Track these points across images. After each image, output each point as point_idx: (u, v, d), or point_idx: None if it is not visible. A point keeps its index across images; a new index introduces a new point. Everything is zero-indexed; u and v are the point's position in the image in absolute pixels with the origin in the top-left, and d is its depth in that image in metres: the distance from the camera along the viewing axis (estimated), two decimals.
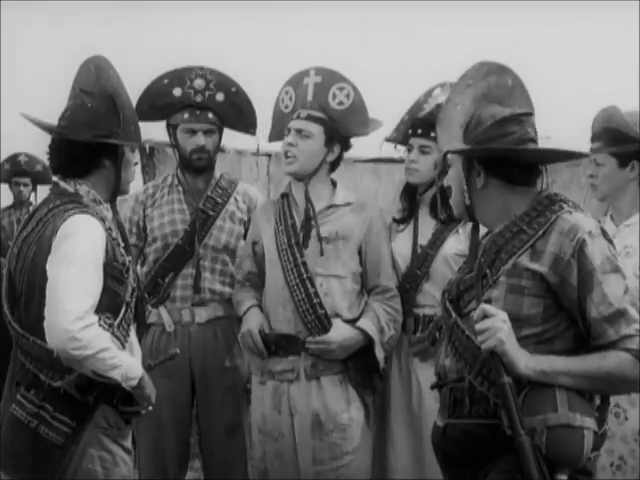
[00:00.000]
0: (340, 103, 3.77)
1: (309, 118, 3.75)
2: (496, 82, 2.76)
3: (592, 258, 2.54)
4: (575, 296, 2.54)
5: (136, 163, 3.16)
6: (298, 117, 3.76)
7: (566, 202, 2.66)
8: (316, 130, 3.74)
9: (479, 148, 2.68)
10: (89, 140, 2.97)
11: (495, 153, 2.67)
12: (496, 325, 2.51)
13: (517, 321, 2.56)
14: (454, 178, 2.77)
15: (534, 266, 2.57)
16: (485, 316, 2.53)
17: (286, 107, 3.86)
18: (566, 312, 2.58)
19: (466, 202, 2.73)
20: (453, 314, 2.67)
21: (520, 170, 2.68)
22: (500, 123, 2.67)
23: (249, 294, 3.90)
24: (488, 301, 2.60)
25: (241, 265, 3.98)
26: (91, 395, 2.87)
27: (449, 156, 2.78)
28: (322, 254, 3.70)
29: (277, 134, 3.91)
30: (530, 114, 2.71)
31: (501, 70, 2.78)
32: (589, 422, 2.47)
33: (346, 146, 3.85)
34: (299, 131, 3.74)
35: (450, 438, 2.69)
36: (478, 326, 2.53)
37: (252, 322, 3.78)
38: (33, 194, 7.26)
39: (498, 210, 2.70)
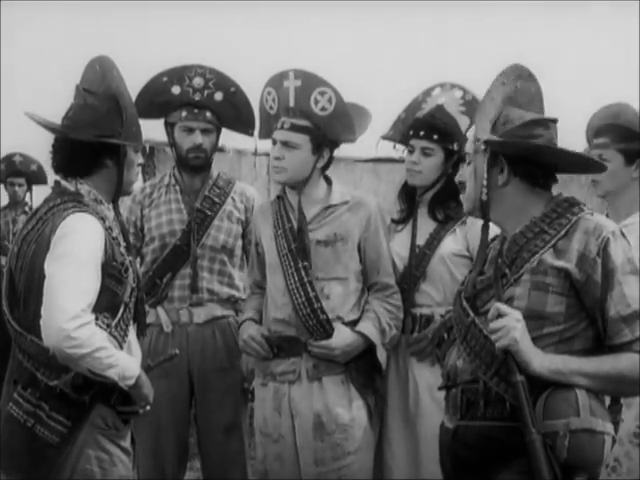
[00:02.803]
0: (323, 109, 3.71)
1: (293, 128, 3.70)
2: (522, 87, 2.78)
3: (615, 257, 2.57)
4: (598, 294, 2.57)
5: (140, 164, 3.15)
6: (282, 127, 3.72)
7: (585, 205, 2.70)
8: (302, 140, 3.69)
9: (518, 142, 2.68)
10: (91, 140, 2.97)
11: (531, 150, 2.67)
12: (510, 324, 2.53)
13: (540, 318, 2.58)
14: (472, 173, 2.76)
15: (559, 263, 2.59)
16: (499, 315, 2.55)
17: (270, 108, 3.83)
18: (586, 312, 2.60)
19: (483, 198, 2.72)
20: (471, 313, 2.67)
21: (543, 173, 2.71)
22: (529, 125, 2.69)
23: (251, 304, 3.92)
24: (510, 299, 2.61)
25: (251, 270, 3.99)
26: (87, 395, 2.86)
27: (469, 150, 2.79)
28: (310, 267, 3.68)
29: (266, 132, 3.88)
30: (556, 121, 2.74)
31: (529, 77, 2.80)
32: (609, 427, 2.49)
33: (336, 146, 3.82)
34: (285, 143, 3.70)
35: (462, 440, 2.68)
36: (492, 325, 2.55)
37: (250, 329, 3.78)
38: (28, 194, 7.25)
39: (514, 210, 2.71)
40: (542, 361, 2.53)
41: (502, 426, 2.58)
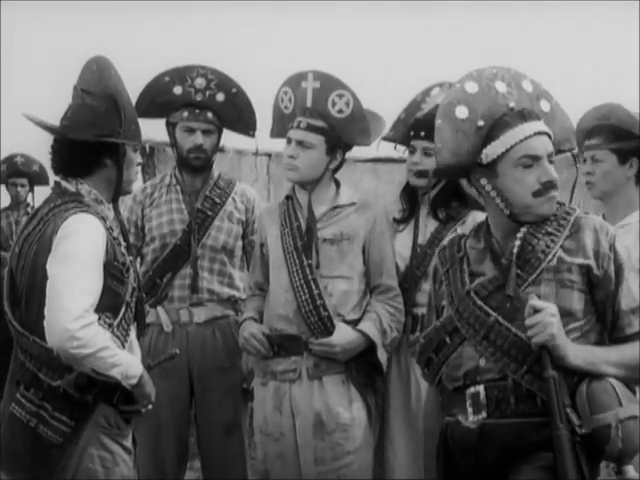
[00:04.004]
0: (340, 111, 3.73)
1: (309, 128, 3.72)
2: None
3: (621, 253, 2.68)
4: (611, 288, 2.66)
5: (139, 163, 3.15)
6: (298, 127, 3.73)
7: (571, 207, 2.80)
8: (317, 141, 3.71)
9: None
10: (90, 139, 2.97)
11: None
12: (546, 320, 2.56)
13: (567, 315, 2.63)
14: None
15: (580, 260, 2.66)
16: (535, 311, 2.58)
17: (286, 108, 3.84)
18: (596, 306, 2.68)
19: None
20: (492, 313, 2.68)
21: None
22: None
23: (252, 305, 3.92)
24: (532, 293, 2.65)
25: (253, 270, 3.99)
26: (90, 394, 2.87)
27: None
28: (319, 266, 3.70)
29: (278, 131, 3.90)
30: None
31: None
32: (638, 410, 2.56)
33: (349, 149, 3.84)
34: (300, 142, 3.72)
35: (491, 439, 2.66)
36: (528, 321, 2.58)
37: (251, 327, 3.78)
38: (30, 195, 7.24)
39: None
40: (577, 353, 2.58)
41: (534, 422, 2.60)
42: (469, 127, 2.78)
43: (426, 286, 3.78)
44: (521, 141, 2.70)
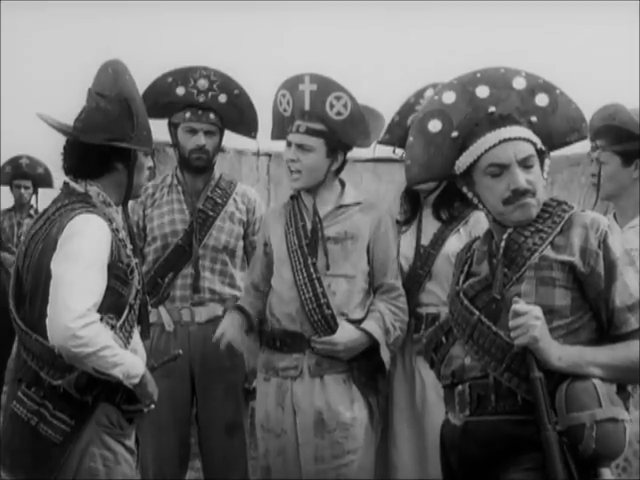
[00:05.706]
0: (338, 113, 3.73)
1: (308, 132, 3.73)
2: None
3: (614, 249, 2.65)
4: (602, 285, 2.63)
5: (149, 168, 3.17)
6: (297, 130, 3.74)
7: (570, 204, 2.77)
8: (317, 144, 3.72)
9: None
10: (102, 143, 2.99)
11: None
12: (529, 322, 2.56)
13: (549, 313, 2.62)
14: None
15: (563, 257, 2.65)
16: (519, 314, 2.58)
17: (285, 110, 3.84)
18: (589, 303, 2.66)
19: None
20: (476, 312, 2.69)
21: None
22: None
23: (247, 300, 3.93)
24: (517, 297, 2.64)
25: (251, 270, 4.00)
26: (90, 395, 2.88)
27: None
28: (328, 268, 3.71)
29: (279, 134, 3.90)
30: None
31: None
32: (626, 415, 2.54)
33: (350, 149, 3.85)
34: (300, 146, 3.73)
35: (472, 436, 2.68)
36: (511, 323, 2.58)
37: (232, 328, 3.81)
38: (34, 197, 7.24)
39: None
40: (560, 355, 2.57)
41: (514, 420, 2.61)
42: (442, 140, 2.79)
43: (430, 286, 3.81)
44: (486, 151, 2.70)
